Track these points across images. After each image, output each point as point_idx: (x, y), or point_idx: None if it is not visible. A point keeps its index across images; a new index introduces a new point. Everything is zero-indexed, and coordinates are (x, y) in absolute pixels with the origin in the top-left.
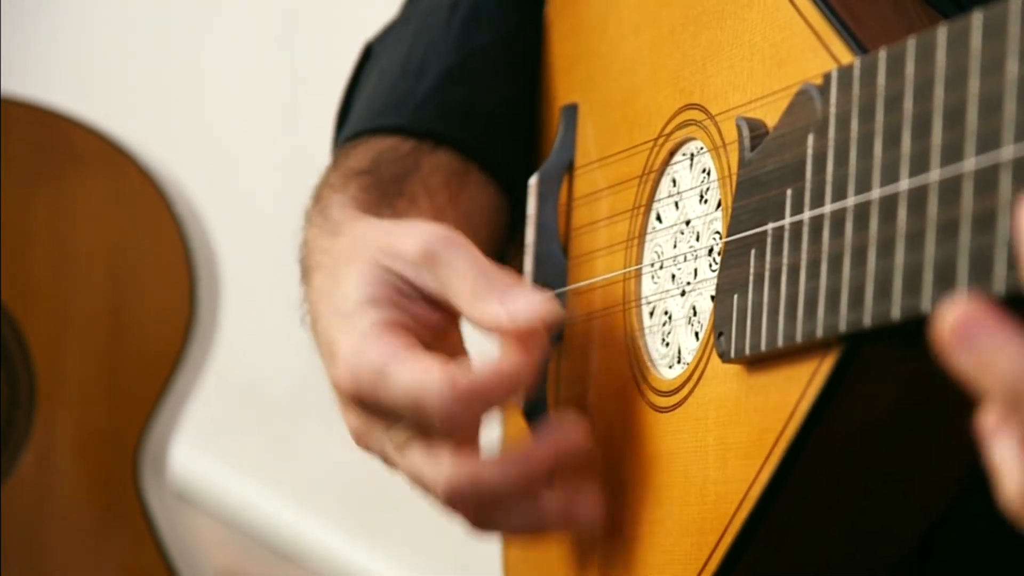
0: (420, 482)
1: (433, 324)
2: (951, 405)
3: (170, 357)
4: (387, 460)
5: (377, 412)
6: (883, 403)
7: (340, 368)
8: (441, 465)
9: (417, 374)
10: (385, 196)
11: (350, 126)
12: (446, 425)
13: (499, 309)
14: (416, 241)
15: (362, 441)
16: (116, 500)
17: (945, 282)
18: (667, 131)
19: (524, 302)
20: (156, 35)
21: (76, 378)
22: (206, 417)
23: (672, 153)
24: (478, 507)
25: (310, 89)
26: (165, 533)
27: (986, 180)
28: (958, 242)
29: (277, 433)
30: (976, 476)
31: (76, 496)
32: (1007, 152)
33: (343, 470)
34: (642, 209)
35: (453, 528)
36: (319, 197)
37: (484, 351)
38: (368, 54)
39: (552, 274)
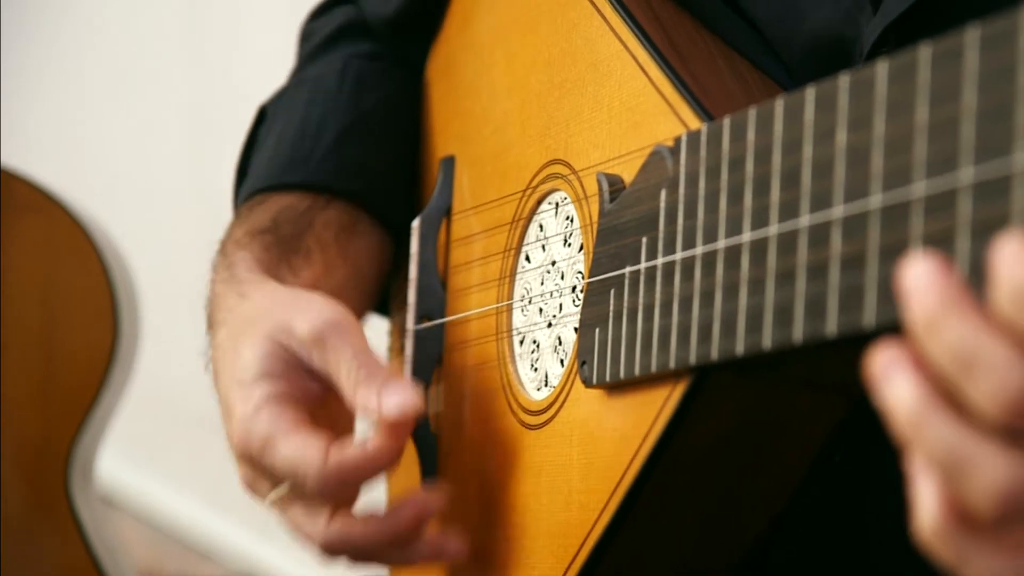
0: (300, 533)
1: (317, 394)
2: (783, 426)
3: (95, 378)
4: (267, 506)
5: (263, 472)
6: (726, 423)
7: (235, 431)
8: (318, 523)
9: (297, 449)
10: (284, 254)
11: (253, 181)
12: (319, 495)
13: (374, 401)
14: (309, 323)
15: (249, 488)
16: (48, 505)
17: (784, 323)
18: (535, 183)
19: (395, 398)
20: (84, 97)
21: (13, 398)
22: (129, 431)
23: (539, 202)
24: (350, 556)
25: (217, 140)
26: (92, 534)
27: (819, 235)
28: (795, 288)
29: (193, 444)
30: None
31: (12, 502)
32: (838, 211)
33: None
34: (513, 251)
35: None
36: (225, 251)
37: None
38: (263, 115)
39: (433, 306)
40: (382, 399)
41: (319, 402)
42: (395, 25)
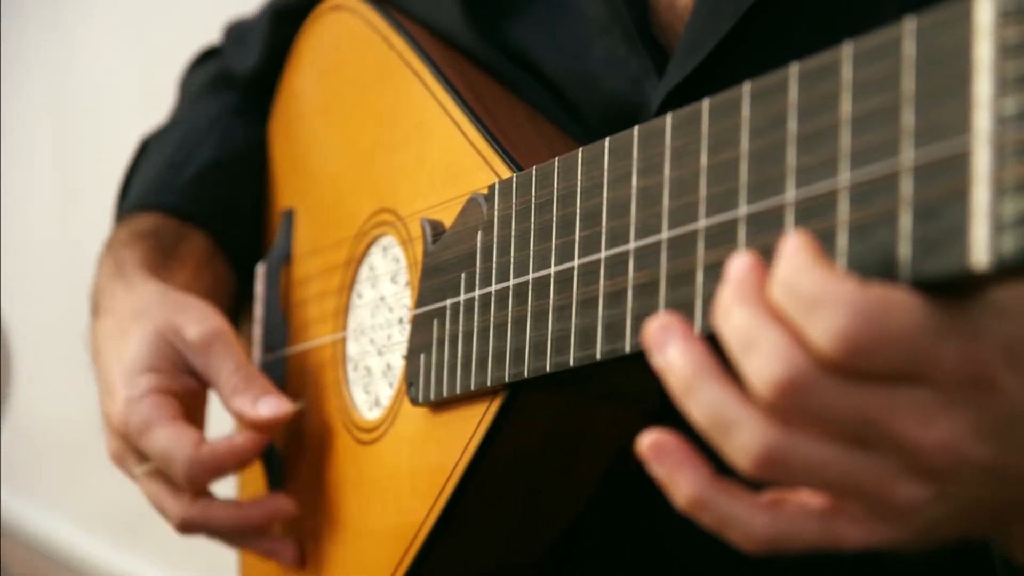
0: (160, 509)
1: (192, 390)
2: (585, 434)
3: None
4: (133, 477)
5: (135, 451)
6: (537, 432)
7: (116, 411)
8: (180, 503)
9: (171, 438)
10: (165, 259)
11: (133, 197)
12: (186, 481)
13: (249, 406)
14: (198, 330)
15: (116, 460)
16: None
17: (586, 344)
18: (365, 229)
19: (268, 405)
20: None
21: None
22: (4, 459)
23: (369, 246)
24: (204, 533)
25: (83, 197)
26: None
27: (616, 265)
28: (597, 313)
29: (62, 469)
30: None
31: None
32: (632, 245)
33: (116, 495)
34: (347, 289)
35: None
36: (112, 248)
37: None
38: (145, 147)
39: (276, 340)
40: (257, 405)
41: (194, 398)
42: (251, 81)
